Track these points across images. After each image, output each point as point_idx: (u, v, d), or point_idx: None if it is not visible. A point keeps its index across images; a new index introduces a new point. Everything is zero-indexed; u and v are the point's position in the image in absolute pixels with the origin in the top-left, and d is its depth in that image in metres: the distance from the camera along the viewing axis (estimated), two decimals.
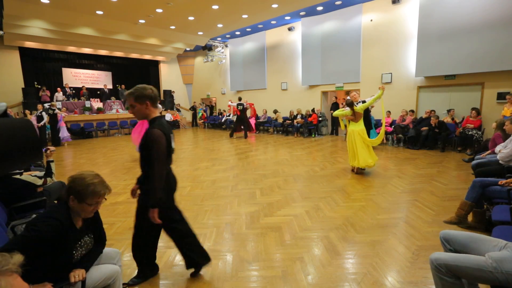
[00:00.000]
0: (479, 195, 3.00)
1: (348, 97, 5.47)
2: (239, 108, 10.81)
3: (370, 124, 6.76)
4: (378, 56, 10.04)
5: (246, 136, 11.09)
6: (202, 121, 16.63)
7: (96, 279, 1.67)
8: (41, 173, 2.92)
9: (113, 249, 2.04)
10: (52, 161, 3.01)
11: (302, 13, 11.22)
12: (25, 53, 12.76)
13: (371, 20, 10.05)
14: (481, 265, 1.53)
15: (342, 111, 5.41)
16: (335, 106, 11.75)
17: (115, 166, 6.85)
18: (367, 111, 5.87)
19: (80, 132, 12.57)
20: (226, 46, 15.65)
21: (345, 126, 5.73)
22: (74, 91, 13.89)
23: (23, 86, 12.42)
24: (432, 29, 8.40)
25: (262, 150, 8.65)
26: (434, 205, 3.79)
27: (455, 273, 1.59)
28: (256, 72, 14.40)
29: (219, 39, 15.22)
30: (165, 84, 17.57)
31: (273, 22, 12.29)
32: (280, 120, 12.73)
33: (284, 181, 5.14)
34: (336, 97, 12.41)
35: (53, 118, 10.18)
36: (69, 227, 1.55)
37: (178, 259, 2.67)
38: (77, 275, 1.53)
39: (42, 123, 9.68)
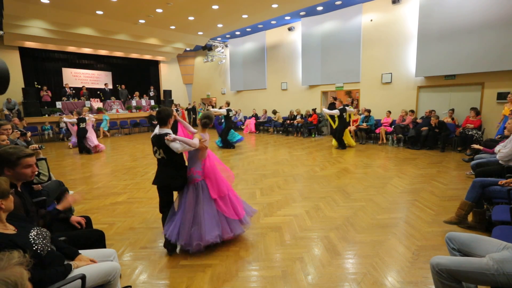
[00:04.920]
0: (479, 195, 3.00)
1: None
2: None
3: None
4: (378, 56, 10.04)
5: None
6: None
7: (95, 275, 1.67)
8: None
9: (109, 249, 2.04)
10: (43, 159, 2.94)
11: (302, 13, 11.22)
12: (25, 53, 12.75)
13: (371, 20, 10.04)
14: (483, 268, 1.54)
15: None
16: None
17: (115, 166, 6.84)
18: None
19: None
20: (226, 46, 15.65)
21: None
22: (74, 91, 13.88)
23: (23, 86, 12.41)
24: (432, 29, 8.40)
25: (262, 150, 8.64)
26: (434, 205, 3.79)
27: (457, 277, 1.59)
28: (256, 72, 14.40)
29: (219, 39, 15.22)
30: (165, 84, 17.56)
31: (273, 22, 12.28)
32: (280, 120, 12.73)
33: (284, 181, 5.14)
34: (334, 97, 12.37)
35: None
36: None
37: (178, 259, 2.67)
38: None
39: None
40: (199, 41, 14.66)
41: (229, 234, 2.83)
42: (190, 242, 2.70)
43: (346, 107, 8.47)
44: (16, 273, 0.95)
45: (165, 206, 2.90)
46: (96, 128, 11.58)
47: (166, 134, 2.67)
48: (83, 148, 8.87)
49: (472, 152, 6.50)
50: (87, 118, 9.19)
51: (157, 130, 2.81)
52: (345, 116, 8.40)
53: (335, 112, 8.33)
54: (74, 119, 9.21)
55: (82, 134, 8.85)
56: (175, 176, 2.82)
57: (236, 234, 2.93)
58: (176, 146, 2.62)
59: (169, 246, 2.80)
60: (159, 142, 2.73)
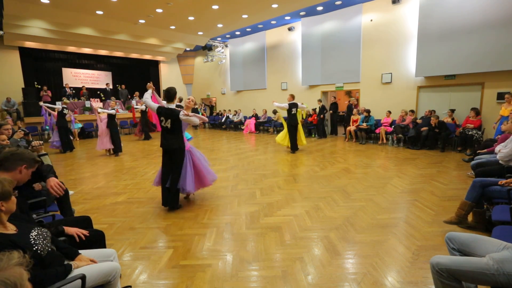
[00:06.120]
0: (479, 195, 3.00)
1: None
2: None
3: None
4: (378, 56, 10.04)
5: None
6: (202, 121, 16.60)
7: (96, 275, 1.66)
8: None
9: (109, 249, 2.04)
10: (45, 154, 2.97)
11: (302, 13, 11.22)
12: (25, 53, 12.73)
13: (371, 20, 10.04)
14: (483, 267, 1.54)
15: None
16: (334, 107, 11.74)
17: (115, 166, 6.85)
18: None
19: (80, 132, 12.57)
20: (226, 46, 15.65)
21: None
22: (74, 91, 13.88)
23: (23, 86, 12.40)
24: (432, 29, 8.40)
25: (262, 150, 8.64)
26: (434, 205, 3.79)
27: (457, 276, 1.59)
28: (256, 72, 14.40)
29: (219, 39, 15.21)
30: (165, 84, 17.54)
31: (273, 22, 12.28)
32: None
33: (284, 181, 5.14)
34: (335, 97, 12.40)
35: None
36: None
37: (178, 259, 2.67)
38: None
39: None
40: (199, 41, 14.65)
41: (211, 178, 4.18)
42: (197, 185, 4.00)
43: (298, 104, 7.74)
44: (15, 274, 0.95)
45: (166, 168, 3.84)
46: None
47: (176, 110, 3.65)
48: (119, 146, 8.05)
49: (472, 152, 6.50)
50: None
51: (148, 95, 3.94)
52: (294, 112, 7.66)
53: (284, 105, 7.65)
54: (112, 110, 7.99)
55: (116, 127, 8.02)
56: (177, 141, 3.75)
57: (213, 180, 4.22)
58: (196, 120, 3.68)
59: (169, 202, 3.85)
60: (167, 114, 3.68)
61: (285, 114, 8.16)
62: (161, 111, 3.74)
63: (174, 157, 3.79)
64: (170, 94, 3.78)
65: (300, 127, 7.94)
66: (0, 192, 1.47)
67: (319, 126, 11.01)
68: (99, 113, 8.34)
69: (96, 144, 8.28)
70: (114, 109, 8.16)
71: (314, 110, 11.58)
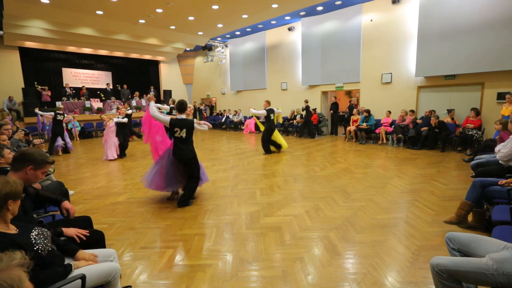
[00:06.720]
0: (479, 195, 3.00)
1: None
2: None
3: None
4: (378, 56, 10.04)
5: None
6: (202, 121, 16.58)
7: (96, 275, 1.66)
8: None
9: (109, 249, 2.04)
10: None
11: (302, 13, 11.22)
12: (25, 53, 12.73)
13: (371, 20, 10.05)
14: (483, 268, 1.53)
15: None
16: (335, 106, 11.76)
17: (115, 166, 6.85)
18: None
19: (80, 132, 12.58)
20: (226, 46, 15.65)
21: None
22: (74, 91, 13.87)
23: (23, 86, 12.40)
24: (432, 29, 8.40)
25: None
26: (434, 205, 3.79)
27: (457, 278, 1.59)
28: (256, 72, 14.40)
29: (219, 39, 15.22)
30: (165, 84, 17.56)
31: (273, 22, 12.29)
32: (280, 121, 12.72)
33: (284, 181, 5.14)
34: (335, 97, 12.41)
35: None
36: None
37: (178, 259, 2.67)
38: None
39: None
40: (199, 41, 14.65)
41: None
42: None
43: (274, 109, 7.95)
44: (14, 276, 0.95)
45: (181, 172, 4.11)
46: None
47: (189, 119, 3.97)
48: (124, 149, 7.99)
49: (472, 152, 6.50)
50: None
51: (155, 108, 4.14)
52: (272, 118, 7.88)
53: (262, 112, 7.80)
54: (125, 119, 7.85)
55: (127, 135, 8.15)
56: (190, 150, 4.01)
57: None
58: (205, 127, 4.13)
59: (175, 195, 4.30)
60: (182, 124, 3.91)
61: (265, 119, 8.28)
62: (175, 122, 3.91)
63: (189, 165, 4.04)
64: (183, 106, 4.01)
65: (276, 131, 8.12)
66: (13, 191, 1.48)
67: (308, 126, 11.02)
68: (111, 120, 7.91)
69: (104, 153, 7.69)
70: (125, 116, 7.95)
71: (314, 110, 11.56)
